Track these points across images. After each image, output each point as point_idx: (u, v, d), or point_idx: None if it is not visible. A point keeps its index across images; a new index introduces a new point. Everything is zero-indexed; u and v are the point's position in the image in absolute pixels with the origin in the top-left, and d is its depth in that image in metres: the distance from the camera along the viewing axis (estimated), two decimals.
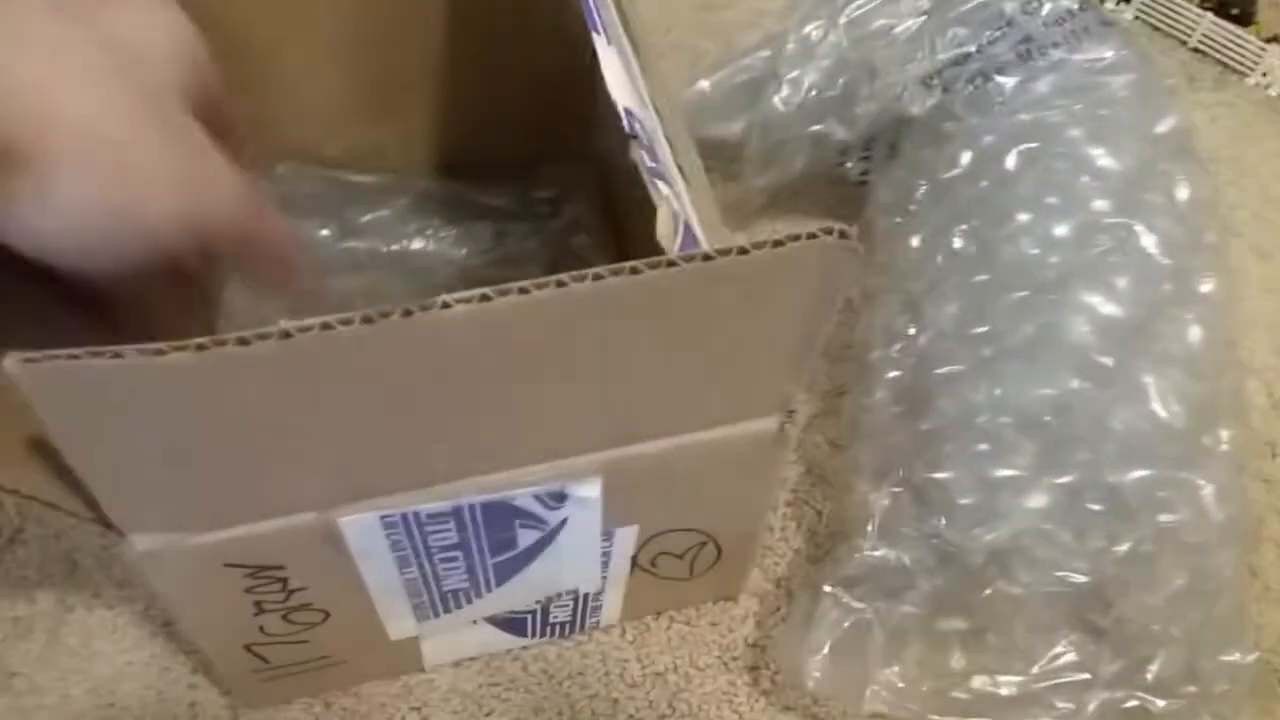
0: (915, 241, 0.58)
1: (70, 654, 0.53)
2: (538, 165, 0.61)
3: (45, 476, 0.33)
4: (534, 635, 0.52)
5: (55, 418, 0.30)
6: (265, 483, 0.35)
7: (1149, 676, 0.50)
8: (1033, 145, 0.56)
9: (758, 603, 0.57)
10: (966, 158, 0.58)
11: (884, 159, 0.63)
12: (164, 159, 0.29)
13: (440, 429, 0.34)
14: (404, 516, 0.37)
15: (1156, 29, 0.80)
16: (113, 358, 0.27)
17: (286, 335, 0.27)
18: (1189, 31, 0.79)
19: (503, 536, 0.41)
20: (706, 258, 0.30)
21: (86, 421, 0.30)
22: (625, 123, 0.34)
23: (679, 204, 0.33)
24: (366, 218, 0.61)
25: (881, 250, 0.60)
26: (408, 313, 0.28)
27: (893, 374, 0.55)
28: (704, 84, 0.65)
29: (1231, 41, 0.77)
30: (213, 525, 0.36)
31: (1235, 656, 0.51)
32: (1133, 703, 0.50)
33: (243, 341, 0.27)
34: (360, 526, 0.37)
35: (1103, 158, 0.55)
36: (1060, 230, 0.54)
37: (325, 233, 0.60)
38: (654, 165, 0.33)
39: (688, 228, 0.32)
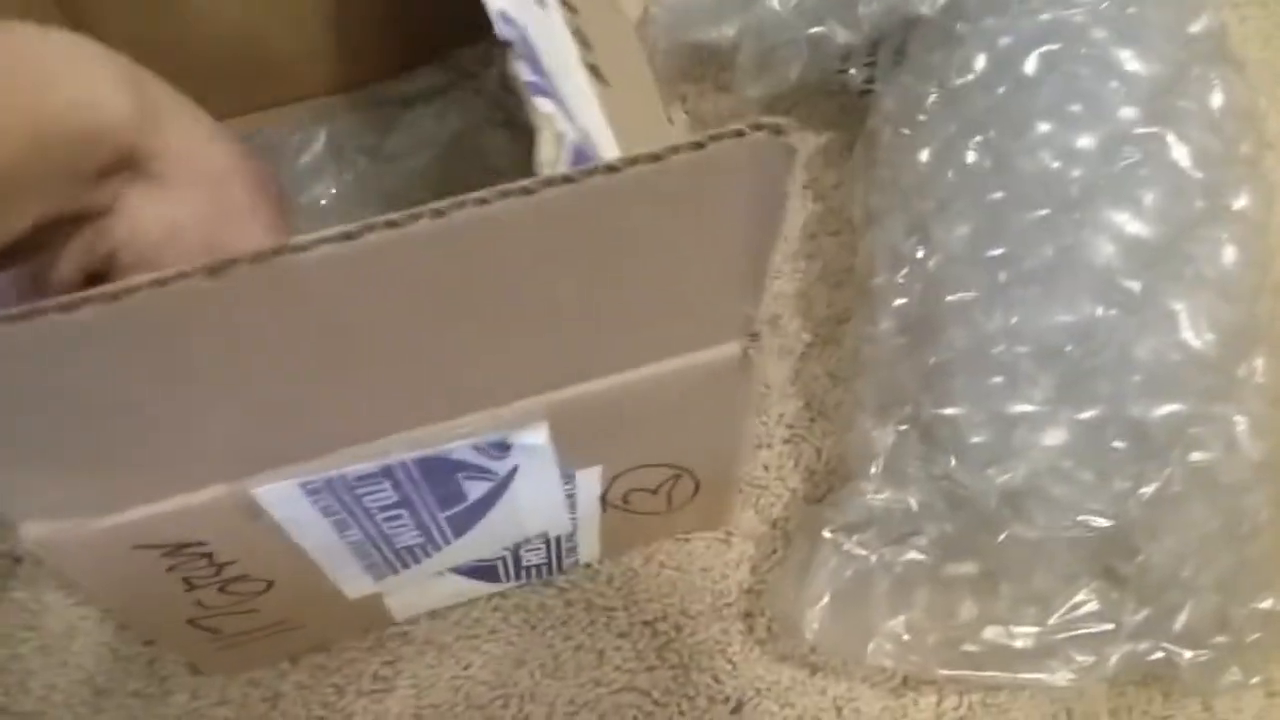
0: (924, 155, 0.51)
1: (19, 609, 0.49)
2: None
3: None
4: (509, 580, 0.48)
5: None
6: (158, 457, 0.30)
7: (1176, 626, 0.45)
8: (1054, 47, 0.49)
9: (753, 546, 0.52)
10: (981, 62, 0.51)
11: (890, 65, 0.56)
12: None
13: (346, 384, 0.29)
14: (328, 481, 0.32)
15: None
16: None
17: (112, 297, 0.22)
18: None
19: (449, 490, 0.36)
20: (610, 169, 0.24)
21: None
22: (497, 28, 0.28)
23: (568, 123, 0.27)
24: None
25: (886, 165, 0.53)
26: (257, 259, 0.22)
27: (899, 301, 0.49)
28: None
29: None
30: (111, 507, 0.32)
31: (1269, 603, 0.45)
32: (1158, 654, 0.45)
33: (64, 308, 0.22)
34: (279, 495, 0.32)
35: (1131, 61, 0.49)
36: (1084, 142, 0.47)
37: None
38: (535, 78, 0.27)
39: (580, 149, 0.27)
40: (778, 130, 0.25)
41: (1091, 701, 0.48)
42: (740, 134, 0.25)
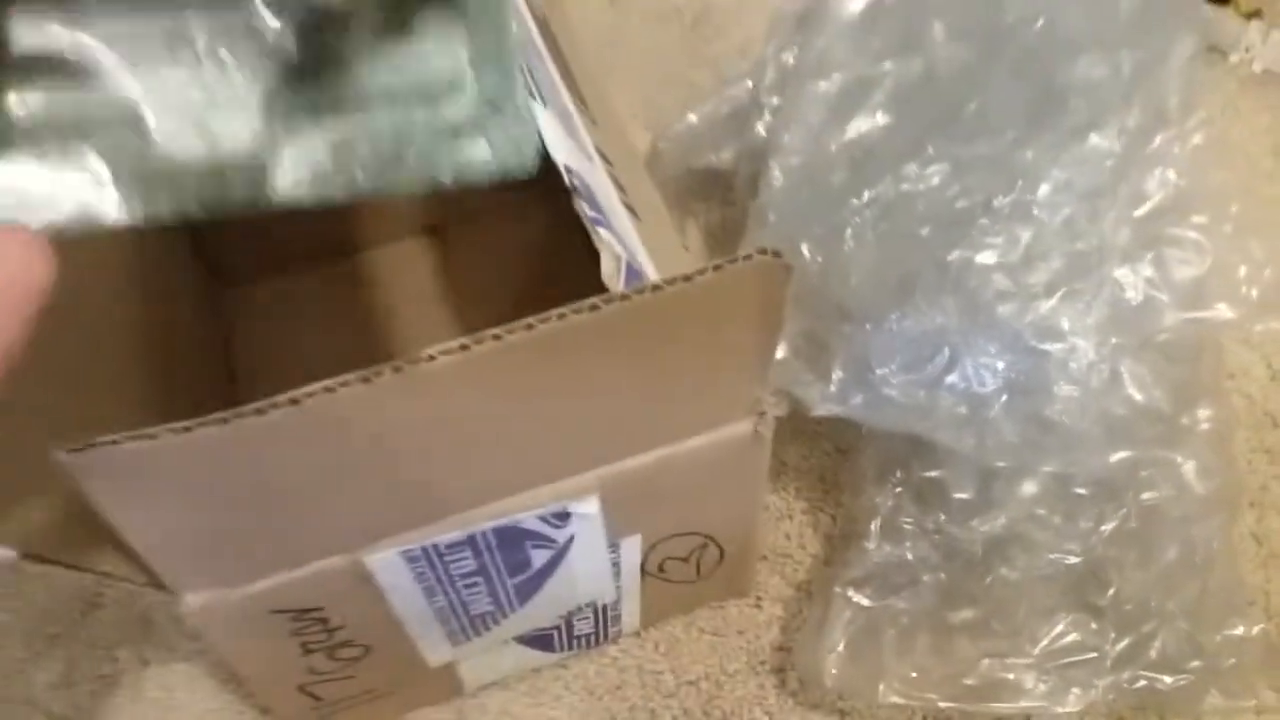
0: None
1: (152, 705, 0.60)
2: None
3: (106, 549, 0.39)
4: (562, 650, 0.58)
5: (104, 498, 0.35)
6: (296, 533, 0.41)
7: (1153, 654, 0.55)
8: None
9: (781, 608, 0.62)
10: None
11: None
12: None
13: (444, 467, 0.40)
14: (424, 549, 0.43)
15: None
16: (147, 439, 0.33)
17: (294, 401, 0.33)
18: None
19: (517, 558, 0.47)
20: (655, 288, 0.35)
21: (133, 497, 0.36)
22: (565, 179, 0.39)
23: (620, 246, 0.38)
24: None
25: None
26: (398, 369, 0.34)
27: None
28: (691, 118, 0.71)
29: (1213, 21, 0.81)
30: (254, 576, 0.42)
31: (1239, 630, 0.55)
32: (1141, 683, 0.55)
33: (259, 411, 0.33)
34: (385, 563, 0.43)
35: None
36: None
37: None
38: (594, 214, 0.39)
39: (630, 266, 0.38)
40: (777, 254, 0.36)
41: None
42: (749, 258, 0.36)
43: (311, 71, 0.30)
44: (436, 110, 0.31)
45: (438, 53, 0.31)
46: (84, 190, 0.28)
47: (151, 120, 0.29)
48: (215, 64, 0.29)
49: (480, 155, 0.31)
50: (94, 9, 0.27)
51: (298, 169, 0.30)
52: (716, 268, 0.36)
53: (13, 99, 0.28)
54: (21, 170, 0.28)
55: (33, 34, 0.27)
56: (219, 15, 0.28)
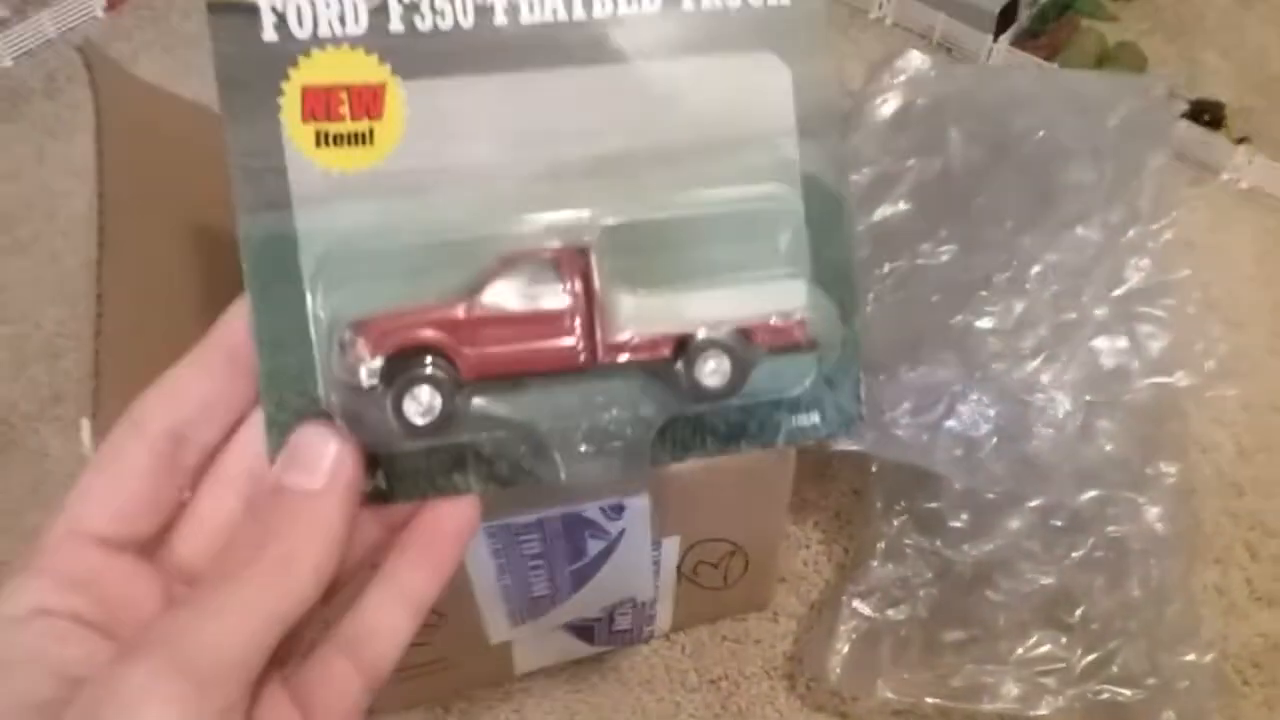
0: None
1: None
2: None
3: None
4: (601, 643, 0.67)
5: None
6: None
7: (1115, 669, 0.63)
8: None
9: (795, 623, 0.71)
10: None
11: None
12: None
13: None
14: (502, 526, 0.53)
15: None
16: None
17: None
18: None
19: (575, 545, 0.56)
20: None
21: None
22: None
23: None
24: None
25: None
26: None
27: None
28: None
29: (1206, 144, 0.91)
30: None
31: (1192, 656, 0.63)
32: (1104, 695, 0.63)
33: None
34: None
35: None
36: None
37: None
38: None
39: None
40: None
41: None
42: None
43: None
44: (782, 393, 0.33)
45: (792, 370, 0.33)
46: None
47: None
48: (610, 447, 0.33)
49: (811, 423, 0.33)
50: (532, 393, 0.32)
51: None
52: None
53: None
54: None
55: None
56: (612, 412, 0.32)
